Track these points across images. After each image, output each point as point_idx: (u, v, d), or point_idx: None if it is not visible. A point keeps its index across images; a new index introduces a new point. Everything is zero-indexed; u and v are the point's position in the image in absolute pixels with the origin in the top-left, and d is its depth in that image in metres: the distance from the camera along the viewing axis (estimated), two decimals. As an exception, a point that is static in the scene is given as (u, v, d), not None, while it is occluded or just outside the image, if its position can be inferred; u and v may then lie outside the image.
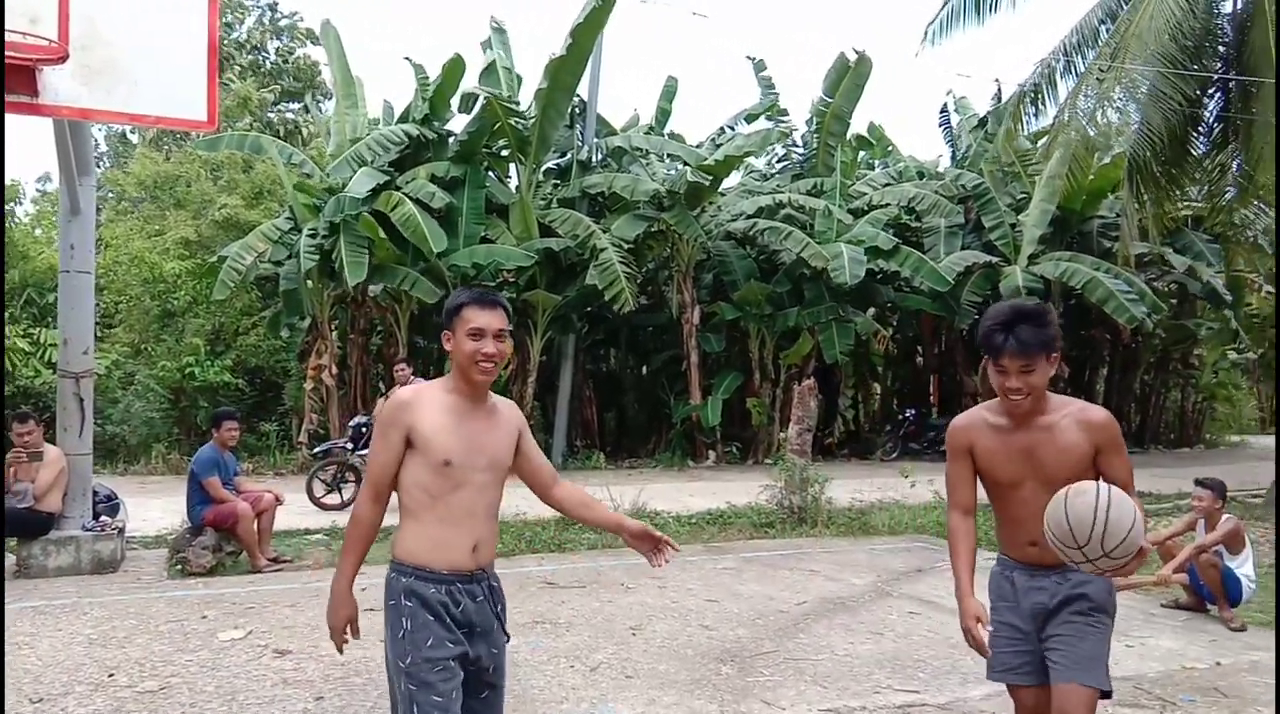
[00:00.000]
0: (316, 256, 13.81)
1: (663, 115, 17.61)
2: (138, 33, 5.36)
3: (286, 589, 6.64)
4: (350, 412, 14.42)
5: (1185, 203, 15.05)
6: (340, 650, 2.56)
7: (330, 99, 27.37)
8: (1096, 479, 2.66)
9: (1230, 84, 11.39)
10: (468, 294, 2.65)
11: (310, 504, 9.89)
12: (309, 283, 14.61)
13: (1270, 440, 19.21)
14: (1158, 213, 13.17)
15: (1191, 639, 5.63)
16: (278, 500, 7.60)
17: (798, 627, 5.78)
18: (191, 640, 5.34)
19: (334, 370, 14.87)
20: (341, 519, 9.19)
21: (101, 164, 23.66)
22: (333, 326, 15.26)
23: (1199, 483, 6.26)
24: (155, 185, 17.71)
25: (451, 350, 2.60)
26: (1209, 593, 6.07)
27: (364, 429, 10.29)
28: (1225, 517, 6.10)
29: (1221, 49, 11.53)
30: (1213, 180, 12.91)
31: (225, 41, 23.73)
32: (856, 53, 16.12)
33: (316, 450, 11.69)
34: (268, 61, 27.06)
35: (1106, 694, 2.77)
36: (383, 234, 13.53)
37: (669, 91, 17.59)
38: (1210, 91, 11.80)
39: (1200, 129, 12.25)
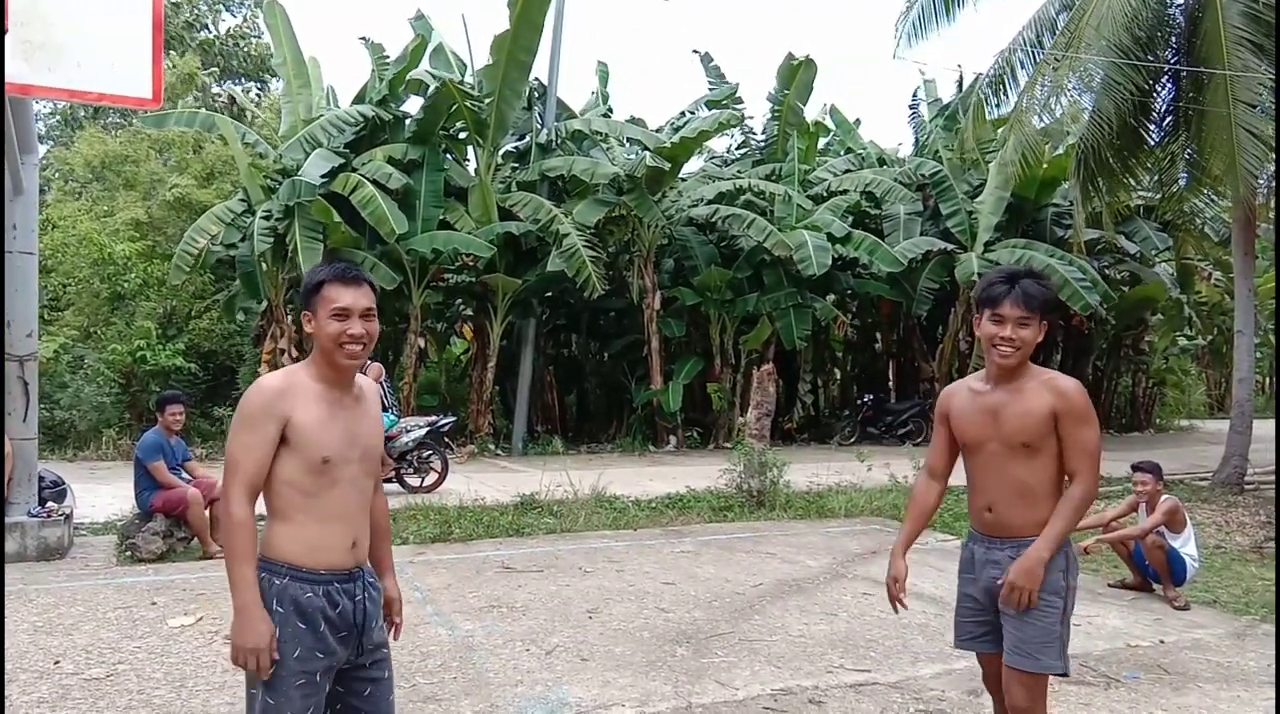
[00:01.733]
0: (271, 239, 13.59)
1: (602, 99, 17.61)
2: (80, 7, 5.20)
3: (239, 575, 6.54)
4: (307, 397, 14.24)
5: (1137, 191, 15.31)
6: (262, 673, 2.24)
7: (276, 79, 26.95)
8: (1058, 447, 2.78)
9: (1182, 74, 11.58)
10: (328, 270, 2.42)
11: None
12: (264, 266, 14.38)
13: (1219, 424, 19.66)
14: (1111, 201, 13.40)
15: (1137, 618, 5.76)
16: None
17: (753, 608, 5.83)
18: (140, 627, 5.26)
19: (291, 354, 14.66)
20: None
21: (46, 143, 23.05)
22: (288, 310, 15.05)
23: (1136, 467, 6.40)
24: (103, 165, 17.29)
25: (314, 332, 2.37)
26: (1154, 573, 6.21)
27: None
28: (1164, 498, 6.24)
29: (1174, 39, 11.71)
30: (1163, 169, 13.15)
31: (172, 21, 23.19)
32: (798, 59, 16.30)
33: (272, 435, 11.54)
34: (218, 41, 26.52)
35: (1063, 674, 2.83)
36: (337, 218, 13.34)
37: (603, 76, 17.69)
38: (1162, 81, 12.00)
39: (1152, 118, 12.46)
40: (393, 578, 2.67)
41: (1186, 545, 6.13)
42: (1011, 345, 2.79)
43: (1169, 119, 12.48)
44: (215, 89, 22.76)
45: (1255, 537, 8.10)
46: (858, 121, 20.59)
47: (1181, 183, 13.72)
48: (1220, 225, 18.58)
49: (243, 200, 14.58)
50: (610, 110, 17.05)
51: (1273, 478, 10.67)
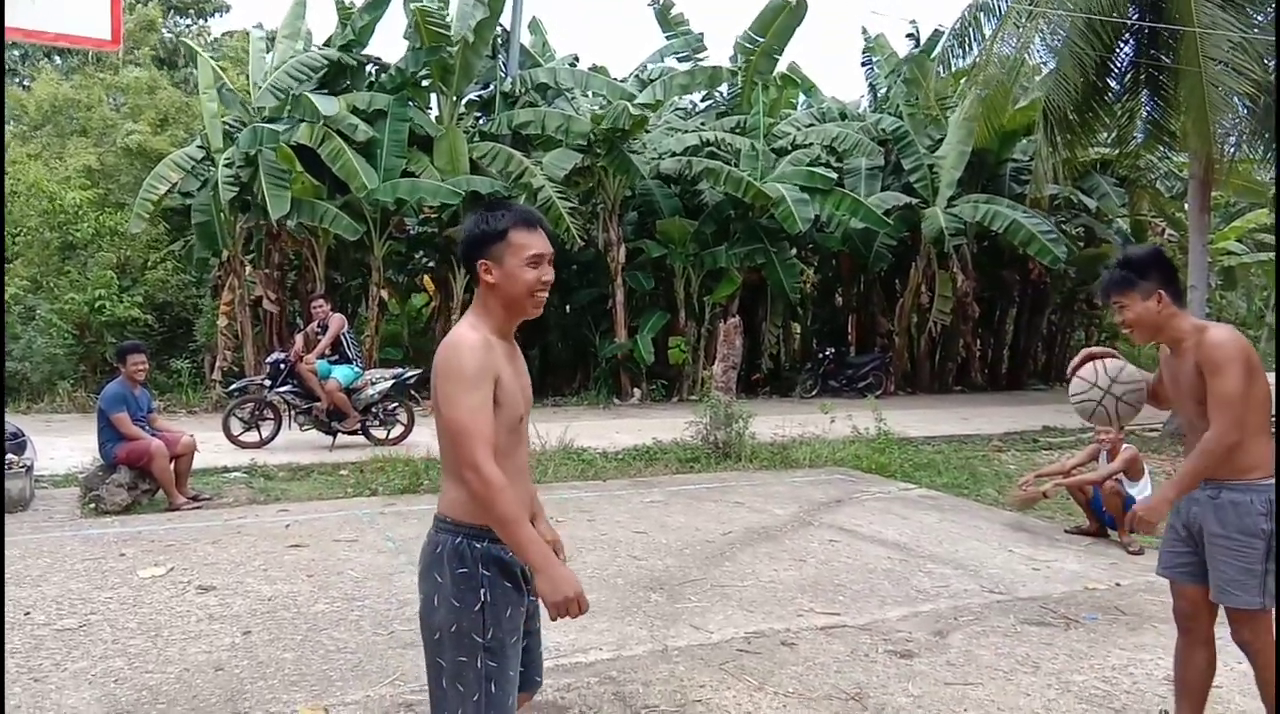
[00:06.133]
0: (236, 188, 13.26)
1: (541, 46, 17.48)
2: (32, -60, 5.00)
3: (208, 526, 6.52)
4: (266, 348, 14.06)
5: (1095, 147, 15.49)
6: (584, 610, 2.19)
7: (219, 14, 26.12)
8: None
9: (1143, 31, 11.68)
10: (509, 215, 2.27)
11: (227, 441, 9.67)
12: (222, 216, 14.07)
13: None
14: (1069, 157, 13.56)
15: (1094, 562, 5.96)
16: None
17: (724, 555, 5.93)
18: (110, 578, 5.22)
19: (248, 306, 14.44)
20: (261, 457, 9.03)
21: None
22: (247, 261, 14.77)
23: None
24: (55, 110, 16.71)
25: (497, 282, 2.24)
26: (1110, 519, 6.41)
27: (281, 366, 10.03)
28: (1125, 446, 6.43)
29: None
30: (1122, 125, 13.30)
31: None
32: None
33: (232, 387, 11.38)
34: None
35: (1260, 609, 3.00)
36: (300, 167, 13.07)
37: (541, 30, 17.68)
38: (1124, 38, 12.09)
39: (1112, 75, 12.57)
40: (544, 520, 2.63)
41: (1143, 493, 6.32)
42: (1127, 327, 3.10)
43: (1129, 75, 12.61)
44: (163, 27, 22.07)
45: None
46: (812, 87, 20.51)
47: (1138, 139, 13.91)
48: (1175, 181, 18.89)
49: (201, 147, 14.21)
50: (576, 59, 16.82)
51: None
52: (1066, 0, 11.05)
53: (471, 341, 2.20)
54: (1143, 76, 12.30)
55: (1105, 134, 14.35)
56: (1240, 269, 27.72)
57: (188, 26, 25.07)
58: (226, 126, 14.05)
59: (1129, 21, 11.54)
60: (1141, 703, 3.73)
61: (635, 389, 16.27)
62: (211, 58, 15.02)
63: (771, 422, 11.01)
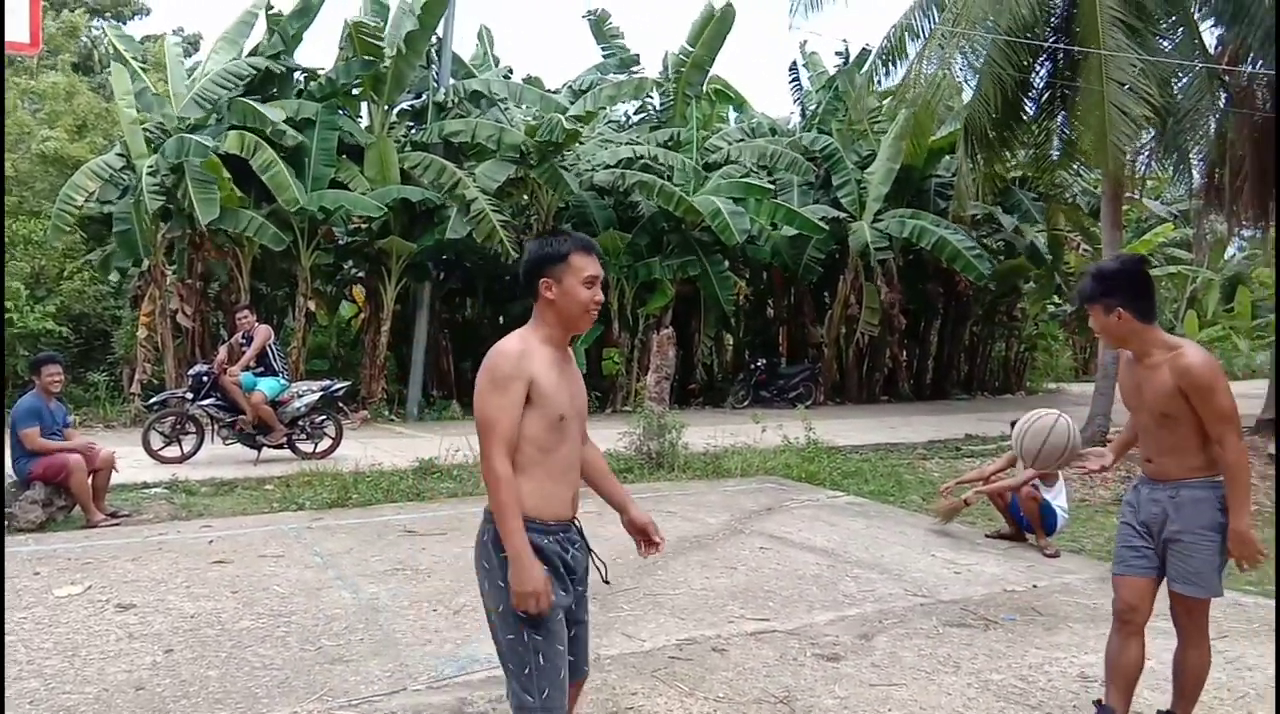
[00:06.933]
0: (162, 197, 12.91)
1: (493, 62, 17.48)
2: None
3: (127, 543, 6.34)
4: (188, 361, 13.70)
5: (1014, 164, 16.03)
6: (544, 612, 2.45)
7: (138, 16, 25.44)
8: (1197, 421, 3.14)
9: (1059, 53, 12.14)
10: (572, 241, 2.60)
11: (147, 456, 9.40)
12: (143, 225, 13.69)
13: (1084, 386, 20.91)
14: (989, 173, 14.02)
15: (1012, 565, 6.16)
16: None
17: (656, 565, 5.97)
18: (24, 597, 5.05)
19: (170, 317, 14.05)
20: (183, 472, 8.80)
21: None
22: (169, 270, 14.38)
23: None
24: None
25: (555, 298, 2.57)
26: (1028, 523, 6.63)
27: (204, 378, 9.79)
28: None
29: (1053, 19, 12.25)
30: (1039, 143, 13.79)
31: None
32: (716, 8, 16.34)
33: (152, 401, 11.06)
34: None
35: (1219, 596, 3.28)
36: (227, 175, 12.80)
37: (487, 39, 17.66)
38: (1041, 59, 12.56)
39: (1030, 94, 13.04)
40: (636, 507, 2.90)
41: (1058, 498, 6.57)
42: (1097, 335, 3.38)
43: (1046, 95, 13.09)
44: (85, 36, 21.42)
45: (1116, 490, 8.70)
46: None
47: (1054, 157, 14.44)
48: (1090, 198, 19.63)
49: (121, 155, 13.82)
50: (510, 71, 16.84)
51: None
52: (987, 22, 11.42)
53: (509, 348, 2.52)
54: (1058, 97, 12.78)
55: (1024, 152, 14.88)
56: (1151, 282, 28.84)
57: (104, 31, 24.36)
58: (147, 133, 13.68)
59: (1044, 45, 11.99)
60: (1056, 699, 3.88)
61: (568, 401, 16.24)
62: (134, 61, 14.60)
63: (704, 432, 11.11)
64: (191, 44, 15.74)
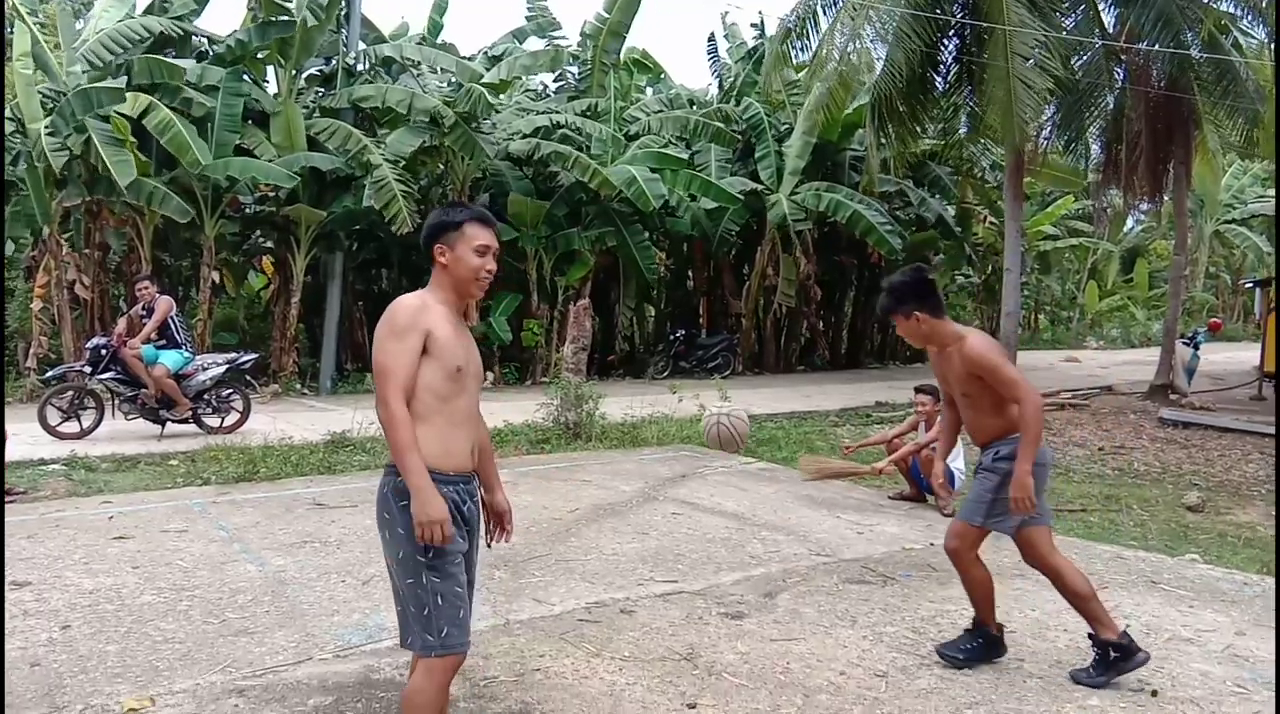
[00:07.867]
0: (66, 156, 12.26)
1: (434, 27, 17.06)
2: None
3: (22, 520, 6.12)
4: (86, 334, 13.18)
5: (925, 138, 16.40)
6: (446, 540, 2.54)
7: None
8: (993, 392, 3.73)
9: (966, 29, 12.44)
10: (466, 212, 2.74)
11: (44, 433, 9.06)
12: (40, 189, 13.04)
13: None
14: (900, 148, 14.33)
15: (912, 525, 6.40)
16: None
17: (569, 532, 6.04)
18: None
19: (67, 288, 13.47)
20: (82, 448, 8.52)
21: None
22: (64, 241, 13.77)
23: (919, 390, 7.06)
24: None
25: (448, 264, 2.69)
26: (928, 484, 6.89)
27: (103, 351, 9.43)
28: (940, 417, 6.90)
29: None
30: (947, 118, 14.17)
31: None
32: None
33: (49, 375, 10.63)
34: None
35: (979, 527, 3.84)
36: (133, 139, 12.28)
37: (440, 4, 17.10)
38: (949, 34, 12.85)
39: (939, 70, 13.36)
40: (502, 491, 3.00)
41: (956, 460, 6.82)
42: (906, 338, 3.92)
43: (954, 71, 13.42)
44: None
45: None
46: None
47: (962, 132, 14.84)
48: (999, 172, 20.23)
49: (12, 118, 13.11)
50: (434, 37, 16.44)
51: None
52: (895, -5, 11.65)
53: (408, 301, 2.65)
54: (965, 73, 13.12)
55: (934, 126, 15.25)
56: (1054, 254, 29.96)
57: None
58: (42, 95, 13.03)
59: (951, 19, 12.27)
60: (946, 649, 4.07)
61: (488, 372, 16.15)
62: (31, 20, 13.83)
63: (623, 402, 11.20)
64: (85, 3, 14.95)
